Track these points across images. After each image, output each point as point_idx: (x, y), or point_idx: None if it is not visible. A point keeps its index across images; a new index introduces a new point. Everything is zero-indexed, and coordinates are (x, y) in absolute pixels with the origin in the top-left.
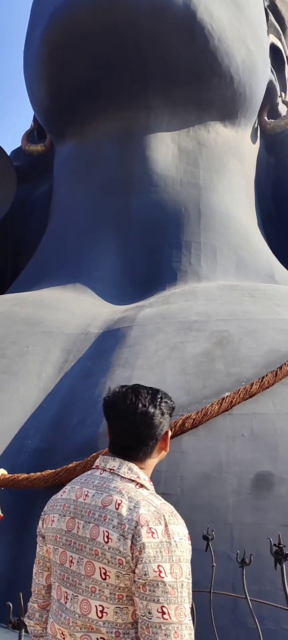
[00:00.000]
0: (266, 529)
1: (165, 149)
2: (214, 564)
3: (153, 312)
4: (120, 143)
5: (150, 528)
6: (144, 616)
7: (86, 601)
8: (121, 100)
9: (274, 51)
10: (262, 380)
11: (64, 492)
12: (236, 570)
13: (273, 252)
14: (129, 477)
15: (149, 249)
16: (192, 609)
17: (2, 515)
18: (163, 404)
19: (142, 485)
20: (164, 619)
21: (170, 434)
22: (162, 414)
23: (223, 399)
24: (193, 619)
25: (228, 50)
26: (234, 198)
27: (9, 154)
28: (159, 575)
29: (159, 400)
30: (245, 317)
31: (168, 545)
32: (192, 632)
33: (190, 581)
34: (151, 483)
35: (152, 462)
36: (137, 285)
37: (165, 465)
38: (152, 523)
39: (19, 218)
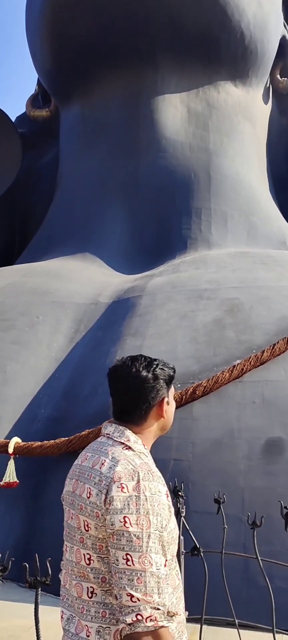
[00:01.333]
0: (276, 493)
1: (174, 111)
2: (225, 526)
3: (164, 281)
4: (127, 106)
5: (121, 483)
6: (113, 563)
7: (78, 550)
8: (127, 59)
9: (287, 5)
10: (273, 348)
11: (78, 458)
12: (247, 532)
13: (285, 218)
14: (119, 440)
15: (158, 217)
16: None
17: (17, 481)
18: (158, 370)
19: (129, 448)
20: (128, 565)
21: (167, 400)
22: (156, 378)
23: (234, 366)
24: (204, 579)
25: (239, 5)
26: (245, 162)
27: (13, 120)
28: (124, 525)
29: (154, 365)
30: (256, 285)
31: (137, 499)
32: (162, 580)
33: (165, 534)
34: (146, 447)
35: (150, 427)
36: (147, 254)
37: (177, 432)
38: (124, 479)
39: (25, 187)
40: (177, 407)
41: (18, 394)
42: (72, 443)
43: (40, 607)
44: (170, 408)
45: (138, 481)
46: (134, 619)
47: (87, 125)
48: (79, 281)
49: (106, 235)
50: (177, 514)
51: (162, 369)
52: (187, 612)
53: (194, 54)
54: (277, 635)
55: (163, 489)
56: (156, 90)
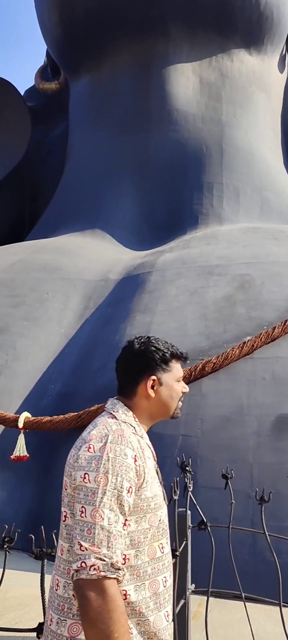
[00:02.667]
0: (285, 469)
1: (186, 81)
2: (233, 501)
3: (174, 257)
4: (138, 77)
5: (90, 444)
6: (74, 515)
7: (64, 510)
8: (138, 27)
9: None
10: (284, 324)
11: None
12: (255, 507)
13: None
14: (109, 411)
15: (169, 192)
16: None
17: (27, 455)
18: (149, 349)
19: (114, 417)
20: (81, 517)
21: (154, 379)
22: (143, 355)
23: (244, 343)
24: (211, 552)
25: None
26: (259, 135)
27: (22, 93)
28: (83, 480)
29: (146, 343)
30: (268, 260)
31: (99, 459)
32: (113, 536)
33: (123, 494)
34: (137, 420)
35: (140, 404)
36: (157, 230)
37: (186, 408)
38: (93, 440)
39: (35, 161)
40: (186, 384)
41: (28, 370)
42: (81, 418)
43: (47, 577)
44: (163, 390)
45: (105, 443)
46: (79, 566)
47: (96, 98)
48: (89, 258)
49: (116, 211)
50: (184, 488)
51: (154, 347)
52: (193, 585)
53: (207, 21)
54: (283, 609)
55: (131, 452)
56: (167, 60)
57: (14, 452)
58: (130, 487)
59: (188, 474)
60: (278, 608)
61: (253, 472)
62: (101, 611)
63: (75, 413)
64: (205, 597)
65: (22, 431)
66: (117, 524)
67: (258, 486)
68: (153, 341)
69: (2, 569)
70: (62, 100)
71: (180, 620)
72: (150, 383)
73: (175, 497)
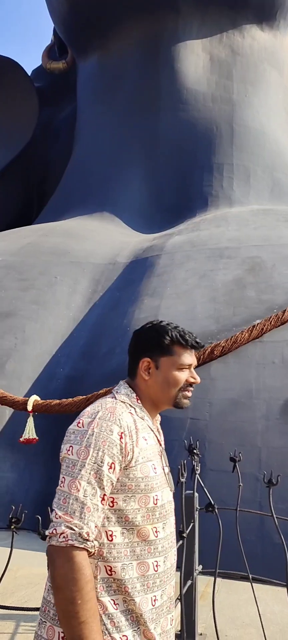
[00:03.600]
0: None
1: (196, 59)
2: (241, 484)
3: (183, 240)
4: (146, 55)
5: (80, 419)
6: None
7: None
8: (147, 2)
9: None
10: None
11: None
12: (263, 490)
13: None
14: (113, 391)
15: (178, 173)
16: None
17: (37, 438)
18: (150, 331)
19: (114, 397)
20: (60, 486)
21: (148, 363)
22: (144, 337)
23: (253, 326)
24: (219, 534)
25: None
26: (271, 114)
27: (29, 74)
28: (67, 452)
29: (151, 325)
30: (279, 243)
31: (85, 433)
32: (87, 509)
33: (103, 469)
34: (139, 402)
35: (139, 384)
36: (166, 212)
37: (194, 391)
38: (84, 416)
39: (43, 144)
40: (194, 368)
41: (37, 353)
42: (90, 401)
43: None
44: (158, 375)
45: (93, 419)
46: (50, 532)
47: (104, 77)
48: (97, 241)
49: (124, 193)
50: (192, 471)
51: (156, 329)
52: (201, 566)
53: None
54: None
55: (117, 429)
56: (177, 37)
57: (23, 435)
58: (113, 463)
59: (195, 457)
60: (285, 589)
61: (261, 455)
62: (66, 578)
63: (84, 396)
64: (213, 578)
65: (31, 414)
66: (94, 497)
67: (266, 469)
68: (159, 324)
69: (10, 549)
70: (70, 81)
71: (187, 600)
72: (143, 364)
73: (182, 480)
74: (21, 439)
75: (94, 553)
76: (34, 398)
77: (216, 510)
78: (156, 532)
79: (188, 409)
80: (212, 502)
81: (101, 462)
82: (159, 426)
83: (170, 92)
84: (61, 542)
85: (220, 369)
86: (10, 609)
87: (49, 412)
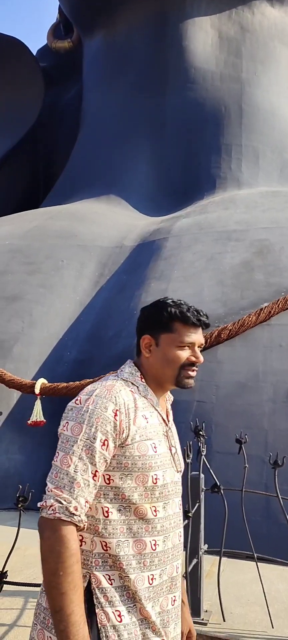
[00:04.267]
0: None
1: (204, 36)
2: (246, 465)
3: (190, 223)
4: (153, 32)
5: (79, 397)
6: None
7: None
8: None
9: None
10: None
11: None
12: (269, 472)
13: None
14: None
15: (186, 155)
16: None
17: (44, 420)
18: (152, 307)
19: (116, 375)
20: (54, 460)
21: (148, 339)
22: (146, 314)
23: (261, 309)
24: (224, 515)
25: None
26: (281, 92)
27: (34, 53)
28: (63, 428)
29: (151, 305)
30: (287, 225)
31: (80, 410)
32: (77, 484)
33: (96, 445)
34: (143, 381)
35: (142, 362)
36: (174, 195)
37: (200, 374)
38: (83, 394)
39: (49, 125)
40: (201, 351)
41: (44, 337)
42: None
43: None
44: (158, 352)
45: (90, 396)
46: (41, 504)
47: (111, 56)
48: (104, 224)
49: (131, 175)
50: (198, 452)
51: (158, 306)
52: (206, 545)
53: None
54: None
55: (112, 406)
56: (184, 13)
57: (31, 418)
58: (106, 440)
59: (201, 438)
60: None
61: (268, 438)
62: (51, 549)
63: (91, 379)
64: (218, 557)
65: (38, 397)
66: (85, 473)
67: (272, 452)
68: (163, 300)
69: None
70: (76, 60)
71: (193, 579)
72: (144, 342)
73: (188, 461)
74: (29, 422)
75: (83, 528)
76: (42, 381)
77: (222, 491)
78: (155, 511)
79: (195, 391)
80: (218, 483)
81: (93, 438)
82: (169, 406)
83: (178, 71)
84: (50, 514)
85: (227, 352)
86: (19, 585)
87: (56, 395)
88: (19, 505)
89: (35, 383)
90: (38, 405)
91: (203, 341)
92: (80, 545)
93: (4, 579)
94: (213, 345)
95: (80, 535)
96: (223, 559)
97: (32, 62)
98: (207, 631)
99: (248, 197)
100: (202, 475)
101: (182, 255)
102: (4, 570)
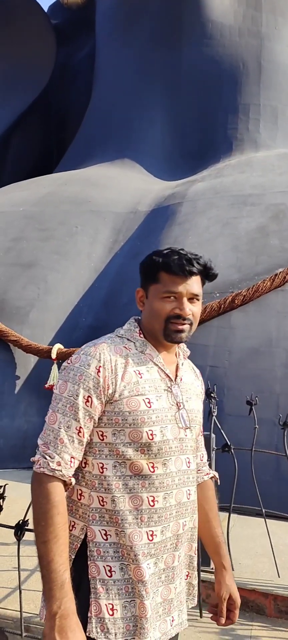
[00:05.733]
0: None
1: None
2: (256, 426)
3: (206, 187)
4: None
5: (71, 357)
6: None
7: None
8: None
9: None
10: None
11: None
12: (280, 435)
13: None
14: None
15: (202, 115)
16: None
17: None
18: (143, 263)
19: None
20: (45, 419)
21: (140, 294)
22: (140, 269)
23: (276, 275)
24: (234, 473)
25: None
26: None
27: (45, 10)
28: (55, 387)
29: (145, 257)
30: None
31: (67, 369)
32: (60, 440)
33: (78, 401)
34: (142, 336)
35: (142, 316)
36: (189, 157)
37: (214, 339)
38: (75, 353)
39: (61, 87)
40: (215, 316)
41: (60, 303)
42: None
43: None
44: (146, 305)
45: (78, 354)
46: (32, 459)
47: (124, 11)
48: (118, 189)
49: (146, 137)
50: (209, 414)
51: (149, 256)
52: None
53: None
54: None
55: (95, 363)
56: None
57: (48, 381)
58: (89, 396)
59: (213, 400)
60: None
61: (279, 401)
62: (36, 501)
63: None
64: (228, 514)
65: (55, 362)
66: (69, 430)
67: (284, 415)
68: (158, 251)
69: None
70: (88, 16)
71: None
72: (138, 295)
73: None
74: (46, 385)
75: (70, 482)
76: (58, 346)
77: (232, 450)
78: (153, 467)
79: (208, 356)
80: (229, 443)
81: (76, 395)
82: (180, 361)
83: (194, 25)
84: (37, 468)
85: (241, 317)
86: None
87: None
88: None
89: (51, 348)
90: (55, 370)
91: (195, 291)
92: (80, 500)
93: (26, 527)
94: (227, 311)
95: (80, 489)
96: (235, 516)
97: (43, 19)
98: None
99: (265, 160)
100: (213, 435)
101: (196, 220)
102: (26, 519)
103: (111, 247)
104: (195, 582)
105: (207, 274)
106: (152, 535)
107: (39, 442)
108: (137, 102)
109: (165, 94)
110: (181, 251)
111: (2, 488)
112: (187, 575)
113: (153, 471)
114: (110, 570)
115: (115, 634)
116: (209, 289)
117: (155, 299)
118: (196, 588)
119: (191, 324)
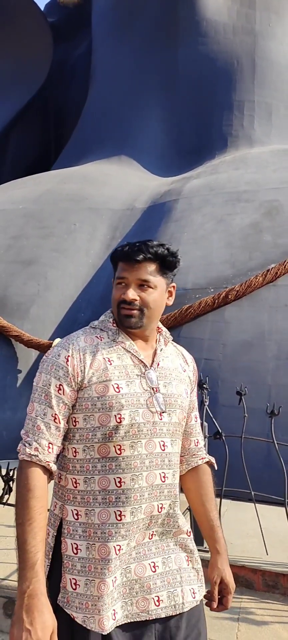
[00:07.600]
0: None
1: None
2: (246, 415)
3: (201, 184)
4: None
5: (48, 351)
6: None
7: None
8: None
9: None
10: None
11: None
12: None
13: None
14: None
15: (197, 112)
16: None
17: None
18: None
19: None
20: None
21: (113, 279)
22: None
23: (268, 270)
24: (225, 458)
25: None
26: None
27: (42, 8)
28: (34, 380)
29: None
30: None
31: (43, 359)
32: (36, 426)
33: (51, 390)
34: (114, 324)
35: None
36: (185, 154)
37: (208, 334)
38: (51, 347)
39: (58, 84)
40: (209, 311)
41: (59, 299)
42: None
43: None
44: (113, 292)
45: (53, 348)
46: (17, 449)
47: (120, 9)
48: (115, 186)
49: (142, 134)
50: (201, 404)
51: (120, 246)
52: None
53: None
54: None
55: (65, 353)
56: None
57: None
58: (61, 385)
59: (204, 390)
60: (283, 508)
61: (271, 392)
62: (17, 485)
63: None
64: (222, 498)
65: None
66: (45, 417)
67: (275, 405)
68: (131, 242)
69: None
70: (85, 14)
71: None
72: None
73: None
74: None
75: (48, 468)
76: (58, 341)
77: (223, 437)
78: (120, 449)
79: (203, 350)
80: (220, 430)
81: (48, 384)
82: (159, 347)
83: (189, 23)
84: (19, 456)
85: (234, 312)
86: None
87: None
88: None
89: (52, 342)
90: None
91: (142, 277)
92: (59, 482)
93: None
94: (221, 306)
95: (60, 473)
96: (228, 502)
97: (40, 17)
98: (208, 557)
99: (260, 156)
100: (205, 424)
101: (192, 217)
102: None
103: (108, 244)
104: (198, 566)
105: (163, 262)
106: (120, 515)
107: (21, 431)
108: (133, 100)
109: (160, 91)
110: (138, 242)
111: (12, 471)
112: (188, 560)
113: (120, 453)
114: (76, 548)
115: (76, 608)
116: (204, 284)
117: (113, 287)
118: (201, 572)
119: (140, 310)
